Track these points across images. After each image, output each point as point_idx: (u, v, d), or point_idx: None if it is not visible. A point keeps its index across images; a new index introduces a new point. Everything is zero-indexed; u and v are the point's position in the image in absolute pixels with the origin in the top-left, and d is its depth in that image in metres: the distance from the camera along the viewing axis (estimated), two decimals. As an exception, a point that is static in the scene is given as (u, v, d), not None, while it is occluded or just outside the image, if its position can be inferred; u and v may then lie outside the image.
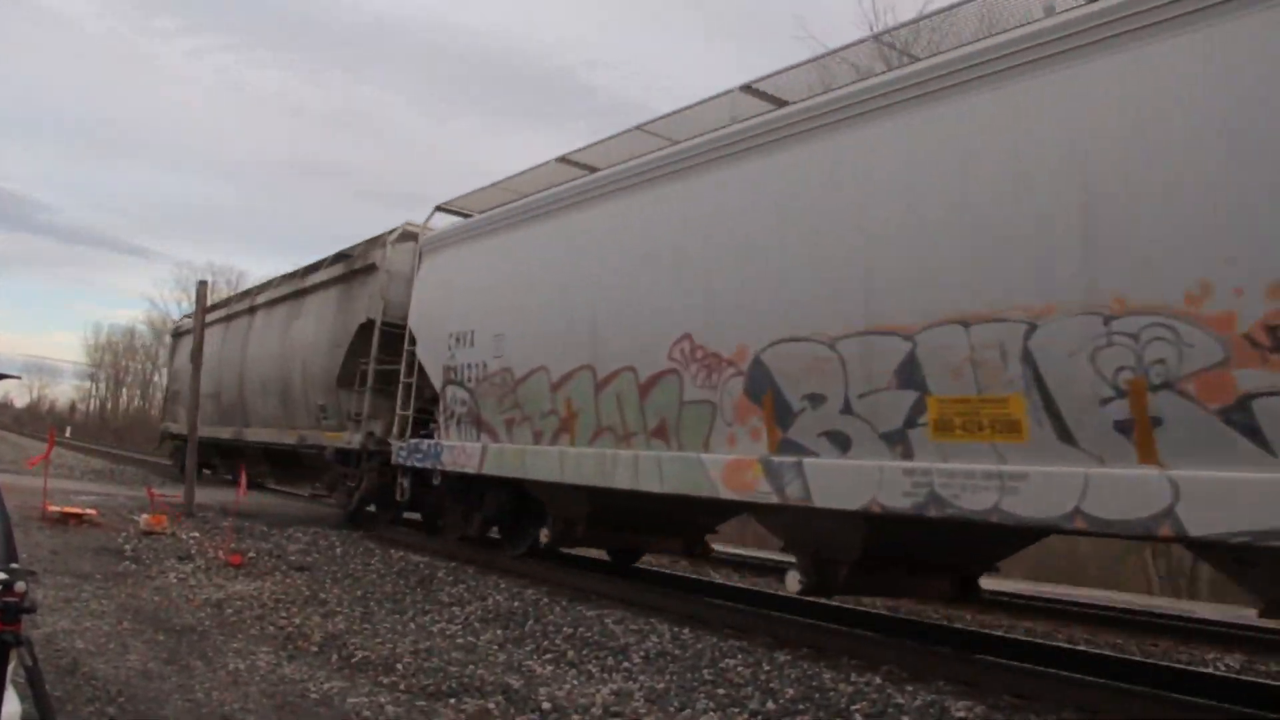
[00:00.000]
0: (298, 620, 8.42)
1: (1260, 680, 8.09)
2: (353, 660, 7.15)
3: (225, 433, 21.54)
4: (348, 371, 15.65)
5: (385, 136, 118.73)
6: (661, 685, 6.80)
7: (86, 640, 7.14)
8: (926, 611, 11.45)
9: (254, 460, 21.35)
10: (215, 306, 23.89)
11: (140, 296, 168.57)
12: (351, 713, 5.79)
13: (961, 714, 6.03)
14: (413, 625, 8.65)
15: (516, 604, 9.65)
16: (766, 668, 7.26)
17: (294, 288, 18.84)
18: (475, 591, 10.31)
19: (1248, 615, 11.90)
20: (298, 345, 17.78)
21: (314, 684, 6.39)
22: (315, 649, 7.50)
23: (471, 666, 7.00)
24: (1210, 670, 8.73)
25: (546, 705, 6.05)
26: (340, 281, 16.71)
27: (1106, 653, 9.10)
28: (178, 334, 28.75)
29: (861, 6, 44.85)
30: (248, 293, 23.06)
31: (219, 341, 21.81)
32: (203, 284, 18.68)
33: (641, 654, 7.74)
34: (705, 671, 7.18)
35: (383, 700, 6.08)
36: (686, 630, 8.52)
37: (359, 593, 10.09)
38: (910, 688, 6.66)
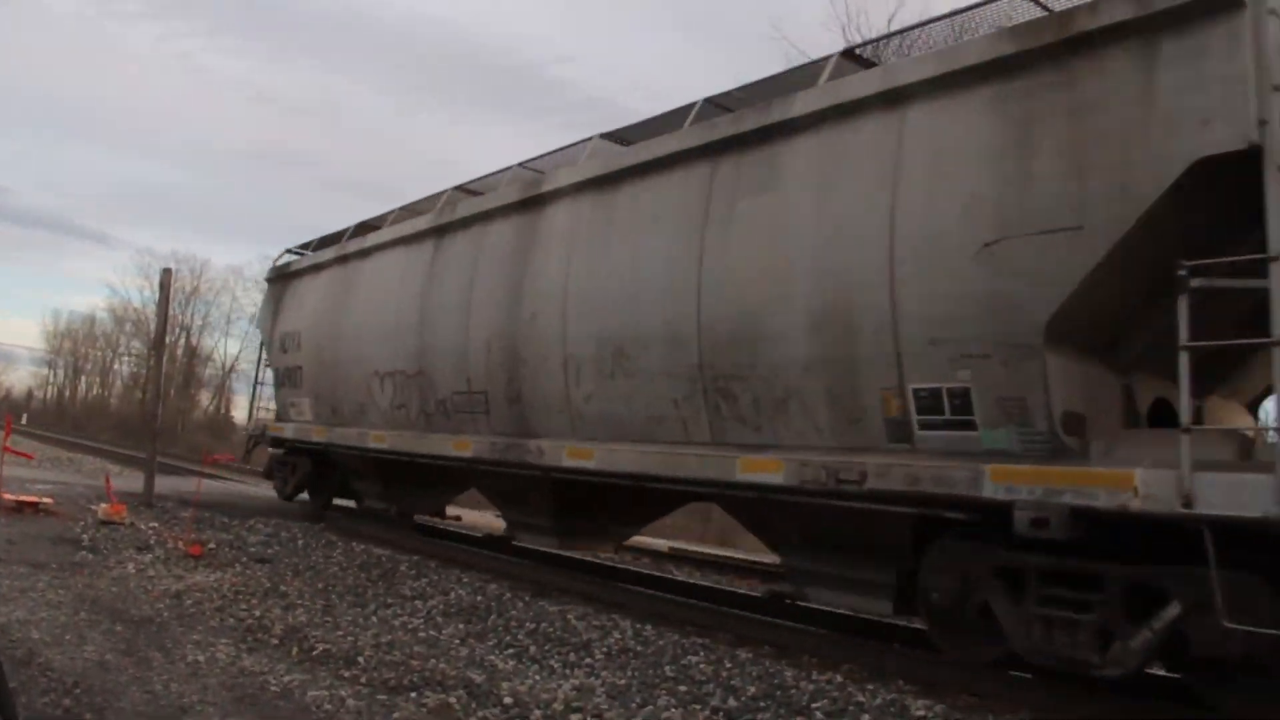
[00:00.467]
0: (258, 612, 8.37)
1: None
2: (313, 653, 7.12)
3: (455, 446, 11.54)
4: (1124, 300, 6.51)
5: (354, 127, 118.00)
6: (623, 681, 6.81)
7: (42, 630, 7.07)
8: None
9: (511, 497, 11.89)
10: (365, 226, 15.14)
11: (101, 283, 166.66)
12: (312, 705, 5.76)
13: (921, 712, 6.09)
14: (374, 619, 8.62)
15: (479, 598, 9.64)
16: (729, 665, 7.29)
17: (712, 136, 8.73)
18: (438, 585, 10.28)
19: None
20: (789, 256, 7.84)
21: (274, 676, 6.36)
22: (276, 641, 7.45)
23: (433, 660, 6.98)
24: (1163, 673, 8.81)
25: (508, 700, 6.04)
26: (1026, 66, 6.64)
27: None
28: (281, 276, 17.17)
29: (835, 9, 44.98)
30: (465, 189, 13.24)
31: (393, 279, 13.23)
32: (167, 272, 18.44)
33: (604, 650, 7.75)
34: (667, 668, 7.20)
35: (343, 694, 6.05)
36: (649, 627, 8.54)
37: (320, 585, 10.03)
38: (870, 686, 6.71)
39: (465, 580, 10.61)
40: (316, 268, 15.81)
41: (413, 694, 6.18)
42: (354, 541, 13.31)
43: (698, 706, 6.27)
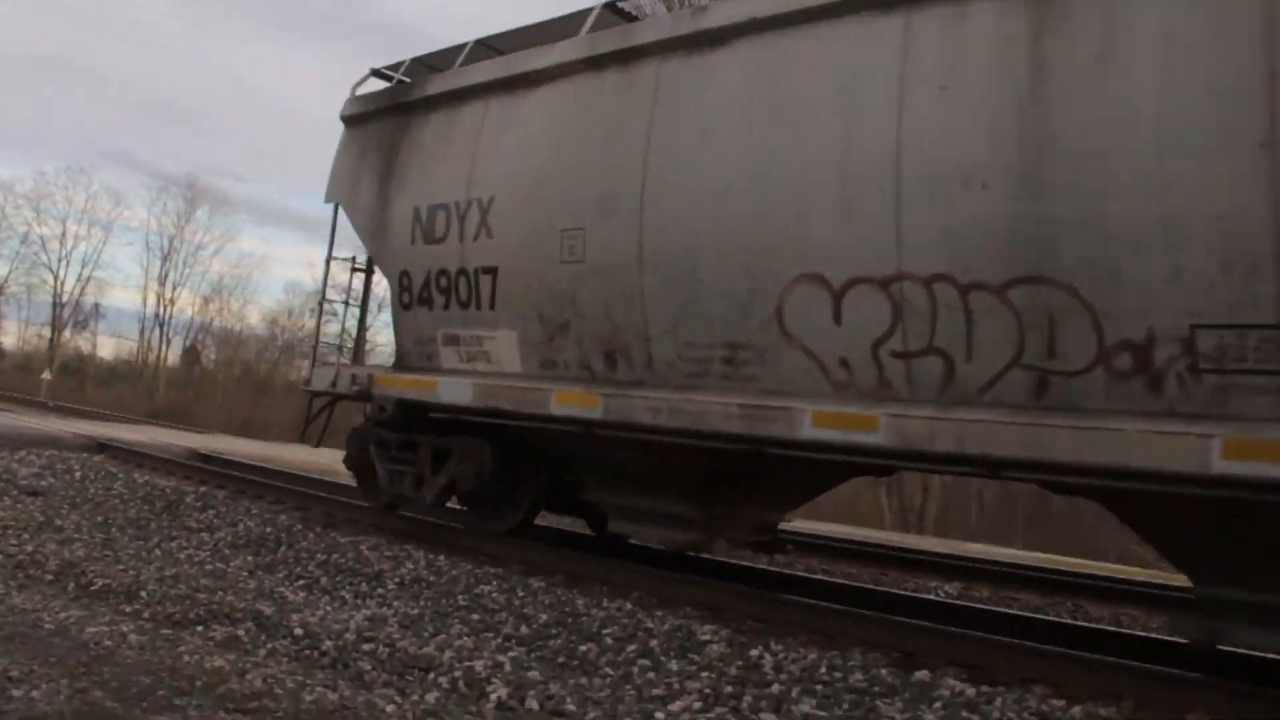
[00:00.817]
0: (30, 548, 8.01)
1: (973, 605, 8.80)
2: (92, 588, 6.88)
3: None
4: None
5: (137, 38, 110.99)
6: (416, 611, 6.86)
7: None
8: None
9: None
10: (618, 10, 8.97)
11: None
12: (90, 642, 5.58)
13: (707, 637, 6.33)
14: (158, 552, 8.37)
15: (269, 530, 9.47)
16: (521, 594, 7.41)
17: None
18: (225, 517, 10.04)
19: (969, 548, 12.88)
20: None
21: (48, 614, 6.12)
22: (50, 577, 7.17)
23: (220, 593, 6.85)
24: (932, 596, 9.43)
25: (299, 631, 5.99)
26: None
27: (841, 581, 9.67)
28: (394, 109, 10.11)
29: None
30: None
31: (871, 84, 6.50)
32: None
33: (396, 580, 7.76)
34: (460, 597, 7.27)
35: (125, 629, 5.88)
36: (442, 557, 8.58)
37: (100, 519, 9.66)
38: (659, 613, 6.94)
39: (254, 512, 10.40)
40: (514, 84, 8.86)
41: (199, 627, 6.06)
42: (136, 474, 12.83)
43: (490, 634, 6.36)
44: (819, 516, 24.61)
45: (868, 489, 34.25)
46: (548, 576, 8.06)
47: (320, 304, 11.37)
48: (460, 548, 9.02)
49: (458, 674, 5.33)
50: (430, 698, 4.97)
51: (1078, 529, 29.80)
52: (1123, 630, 8.17)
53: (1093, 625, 8.15)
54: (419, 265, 9.28)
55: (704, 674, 5.64)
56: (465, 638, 6.21)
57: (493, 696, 5.03)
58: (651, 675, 5.60)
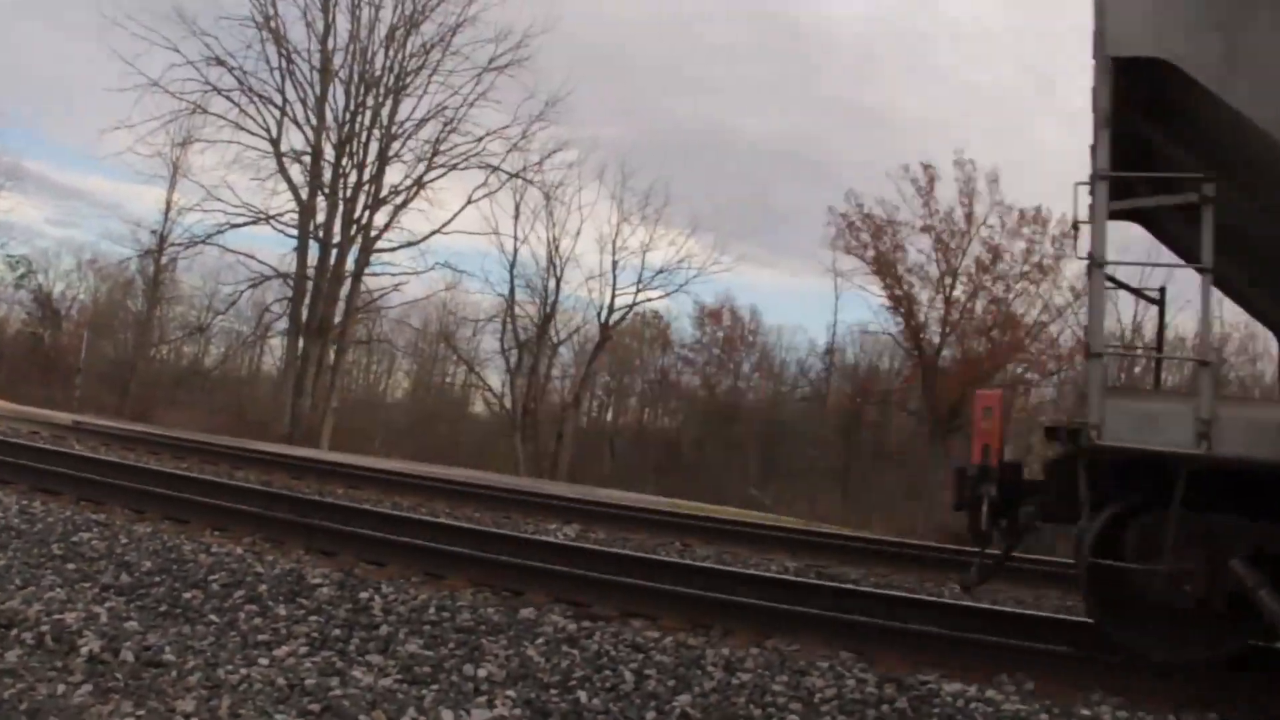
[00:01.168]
0: None
1: (587, 546, 9.18)
2: None
3: None
4: None
5: None
6: (3, 563, 6.41)
7: None
8: (300, 486, 11.72)
9: None
10: None
11: None
12: None
13: (318, 580, 6.34)
14: None
15: None
16: (124, 540, 7.12)
17: None
18: None
19: (597, 493, 13.45)
20: None
21: None
22: None
23: None
24: (553, 539, 9.75)
25: None
26: None
27: (463, 524, 9.83)
28: None
29: None
30: None
31: None
32: None
33: (-19, 531, 7.22)
34: (55, 546, 6.88)
35: None
36: (37, 503, 8.08)
37: None
38: (270, 558, 6.88)
39: None
40: None
41: None
42: None
43: (87, 584, 6.08)
44: (452, 462, 24.96)
45: (504, 436, 35.00)
46: (155, 522, 7.78)
47: (1091, 262, 5.40)
48: (62, 494, 8.46)
49: (45, 628, 5.06)
50: (11, 655, 4.69)
51: (705, 477, 31.97)
52: (723, 567, 8.82)
53: (694, 563, 8.72)
54: None
55: (312, 618, 5.65)
56: (58, 589, 5.89)
57: (84, 650, 4.81)
58: (258, 621, 5.56)
